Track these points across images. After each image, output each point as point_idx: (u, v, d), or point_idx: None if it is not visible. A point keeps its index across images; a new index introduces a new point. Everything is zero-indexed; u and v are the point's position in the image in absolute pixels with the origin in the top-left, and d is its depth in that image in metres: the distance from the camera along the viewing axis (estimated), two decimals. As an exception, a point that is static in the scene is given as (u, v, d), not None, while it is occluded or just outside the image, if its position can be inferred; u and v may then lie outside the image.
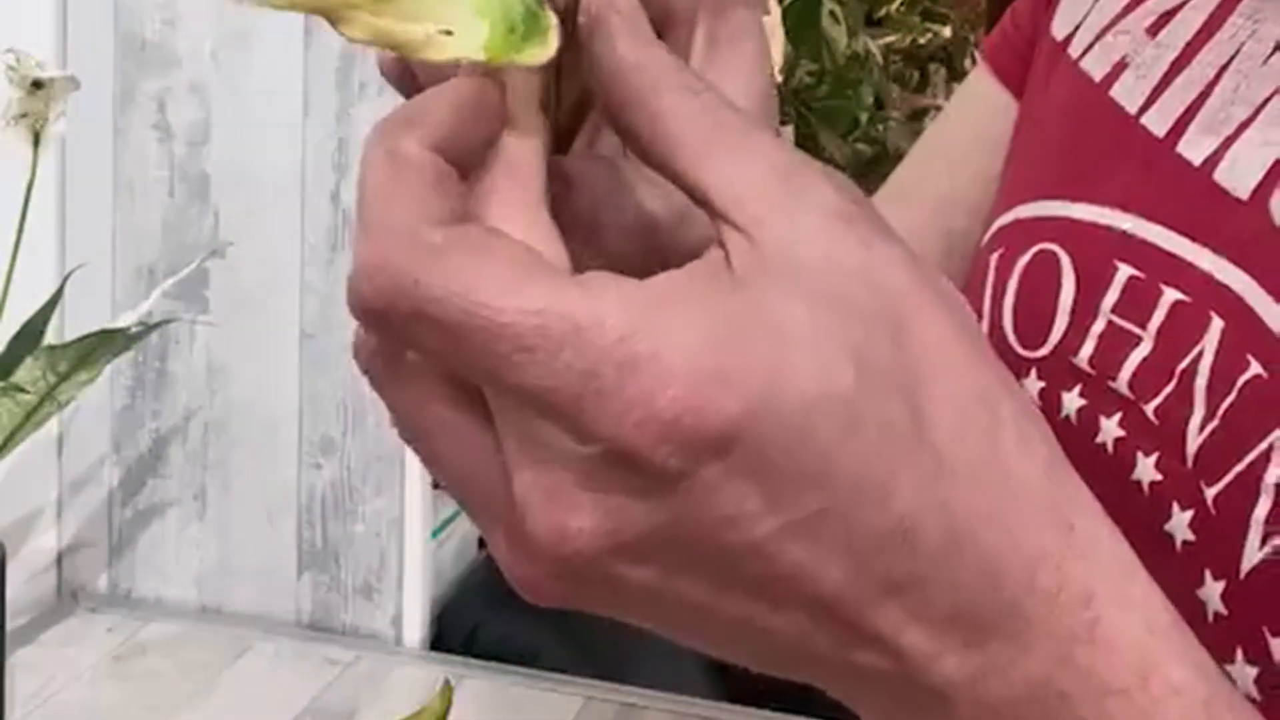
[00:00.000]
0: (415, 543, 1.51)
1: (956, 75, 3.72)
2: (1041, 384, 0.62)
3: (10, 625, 1.24)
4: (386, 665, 1.38)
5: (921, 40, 3.60)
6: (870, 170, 3.20)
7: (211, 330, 1.52)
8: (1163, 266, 0.58)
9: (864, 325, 0.36)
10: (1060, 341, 0.62)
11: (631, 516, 0.36)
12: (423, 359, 0.39)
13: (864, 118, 3.22)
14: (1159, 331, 0.58)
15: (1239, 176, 0.57)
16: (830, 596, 0.37)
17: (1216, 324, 0.55)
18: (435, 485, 1.55)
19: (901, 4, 3.58)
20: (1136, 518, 0.56)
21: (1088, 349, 0.60)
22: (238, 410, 1.53)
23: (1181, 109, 0.62)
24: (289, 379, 1.51)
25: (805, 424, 0.36)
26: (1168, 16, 0.65)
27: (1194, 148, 0.60)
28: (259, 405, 1.52)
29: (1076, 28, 0.71)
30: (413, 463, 1.50)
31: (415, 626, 1.53)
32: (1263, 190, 0.56)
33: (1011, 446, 0.39)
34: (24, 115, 1.14)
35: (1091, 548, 0.40)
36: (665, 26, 0.43)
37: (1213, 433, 0.55)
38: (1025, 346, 0.63)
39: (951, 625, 0.38)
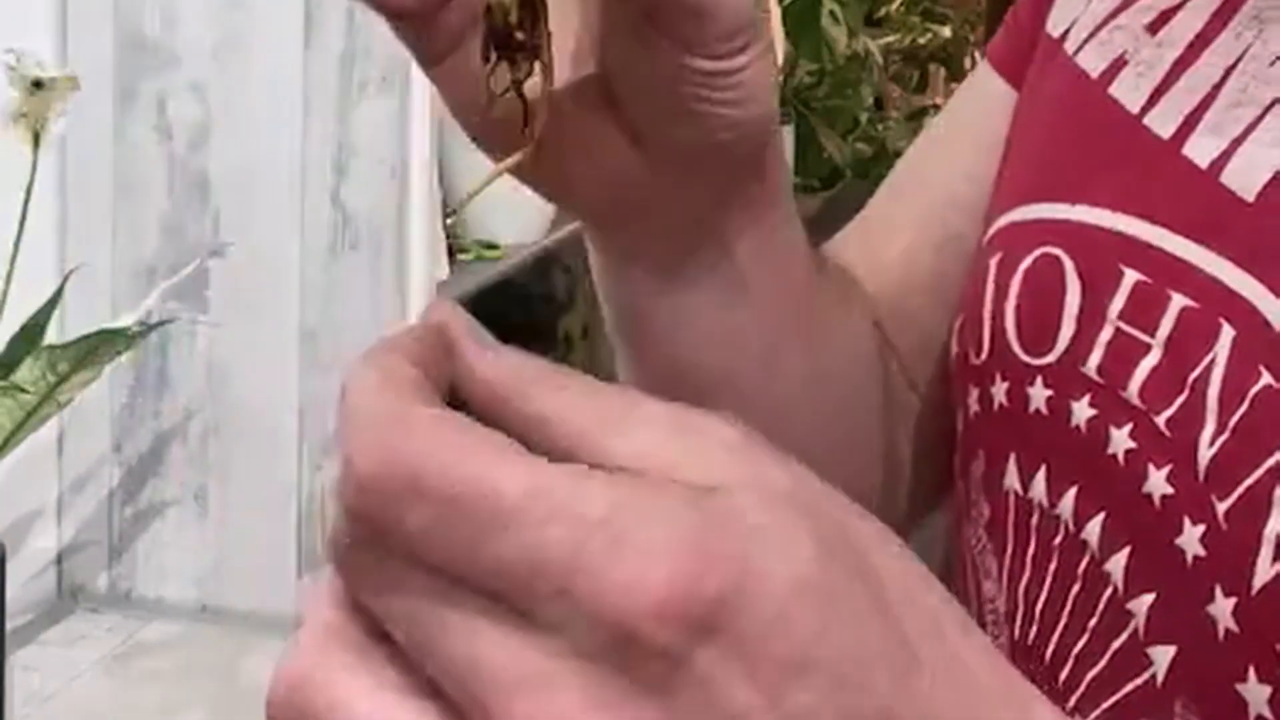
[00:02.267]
0: (415, 543, 1.52)
1: (956, 75, 3.72)
2: (1049, 392, 0.60)
3: (10, 625, 1.24)
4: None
5: (921, 40, 3.60)
6: (870, 170, 3.20)
7: (211, 330, 1.52)
8: (1169, 271, 0.57)
9: (810, 513, 0.37)
10: (1067, 349, 0.60)
11: None
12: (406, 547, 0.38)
13: (864, 118, 3.22)
14: (1168, 339, 0.56)
15: (1246, 178, 0.56)
16: None
17: (1228, 332, 0.54)
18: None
19: (901, 4, 3.58)
20: (1148, 531, 0.55)
21: (1096, 357, 0.59)
22: (238, 410, 1.53)
23: (1188, 110, 0.60)
24: (289, 379, 1.51)
25: (785, 608, 0.35)
26: (1168, 14, 0.64)
27: (1200, 149, 0.59)
28: (259, 405, 1.52)
29: (1073, 23, 0.70)
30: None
31: (415, 626, 1.53)
32: (1270, 192, 0.55)
33: (957, 633, 0.38)
34: (24, 115, 1.14)
35: None
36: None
37: (1224, 445, 0.54)
38: (1029, 353, 0.62)
39: None
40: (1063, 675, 0.58)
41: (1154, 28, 0.65)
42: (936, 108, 3.60)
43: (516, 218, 1.83)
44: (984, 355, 0.64)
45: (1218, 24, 0.62)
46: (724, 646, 0.35)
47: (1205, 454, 0.54)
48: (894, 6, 3.56)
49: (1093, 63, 0.66)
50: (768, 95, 0.56)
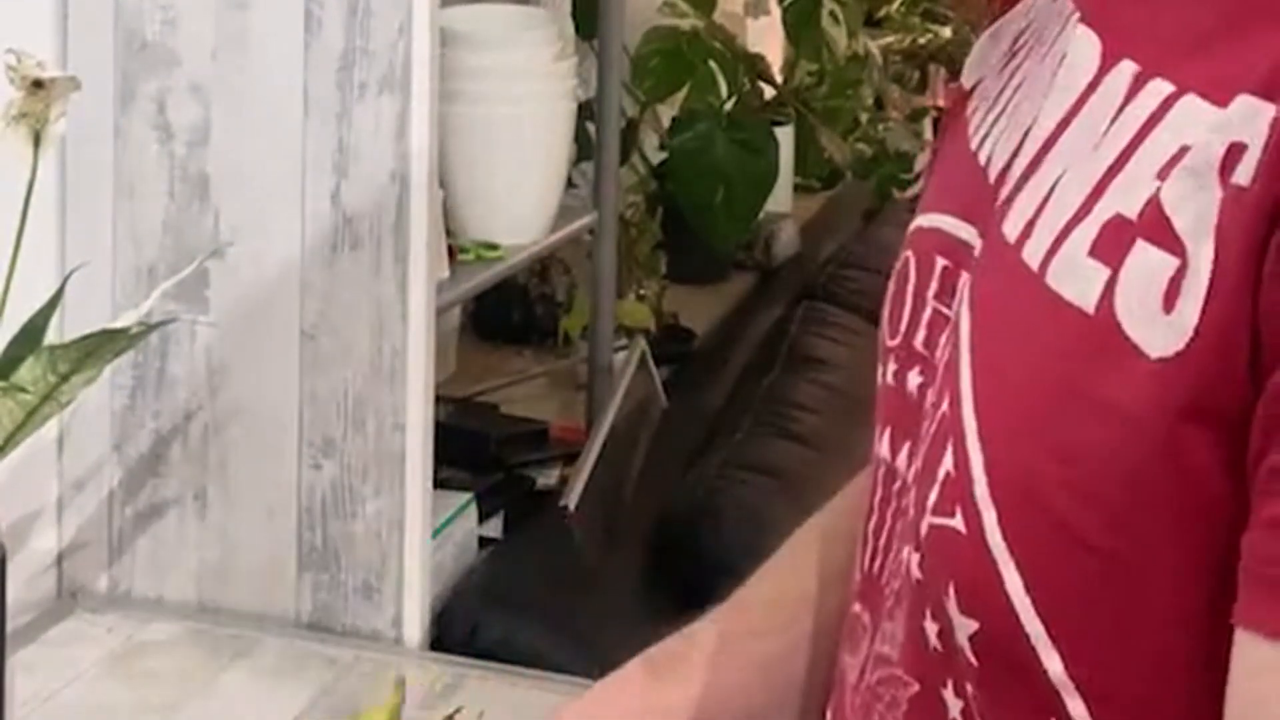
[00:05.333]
0: (415, 543, 1.52)
1: (956, 76, 3.71)
2: (895, 367, 0.71)
3: (10, 625, 1.24)
4: (386, 665, 1.38)
5: (921, 40, 3.59)
6: (870, 170, 3.20)
7: (211, 330, 1.53)
8: (961, 253, 0.67)
9: None
10: (905, 330, 0.71)
11: None
12: None
13: (864, 118, 3.22)
14: (957, 311, 0.65)
15: (993, 161, 0.68)
16: None
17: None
18: (435, 485, 1.55)
19: (901, 4, 3.58)
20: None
21: (921, 334, 0.69)
22: (238, 410, 1.53)
23: (991, 121, 0.71)
24: (289, 379, 1.51)
25: None
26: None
27: (982, 150, 0.70)
28: (259, 405, 1.53)
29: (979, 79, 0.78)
30: (413, 463, 1.50)
31: (415, 626, 1.53)
32: (995, 171, 0.67)
33: None
34: (24, 115, 1.14)
35: None
36: None
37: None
38: (889, 337, 0.72)
39: None
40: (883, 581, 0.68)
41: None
42: (937, 108, 3.61)
43: (516, 218, 1.83)
44: (882, 343, 0.75)
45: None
46: None
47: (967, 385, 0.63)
48: (894, 6, 3.56)
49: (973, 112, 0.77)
50: None
